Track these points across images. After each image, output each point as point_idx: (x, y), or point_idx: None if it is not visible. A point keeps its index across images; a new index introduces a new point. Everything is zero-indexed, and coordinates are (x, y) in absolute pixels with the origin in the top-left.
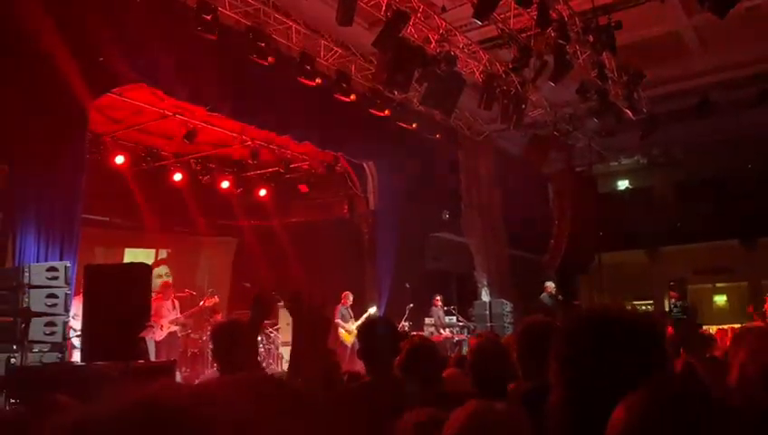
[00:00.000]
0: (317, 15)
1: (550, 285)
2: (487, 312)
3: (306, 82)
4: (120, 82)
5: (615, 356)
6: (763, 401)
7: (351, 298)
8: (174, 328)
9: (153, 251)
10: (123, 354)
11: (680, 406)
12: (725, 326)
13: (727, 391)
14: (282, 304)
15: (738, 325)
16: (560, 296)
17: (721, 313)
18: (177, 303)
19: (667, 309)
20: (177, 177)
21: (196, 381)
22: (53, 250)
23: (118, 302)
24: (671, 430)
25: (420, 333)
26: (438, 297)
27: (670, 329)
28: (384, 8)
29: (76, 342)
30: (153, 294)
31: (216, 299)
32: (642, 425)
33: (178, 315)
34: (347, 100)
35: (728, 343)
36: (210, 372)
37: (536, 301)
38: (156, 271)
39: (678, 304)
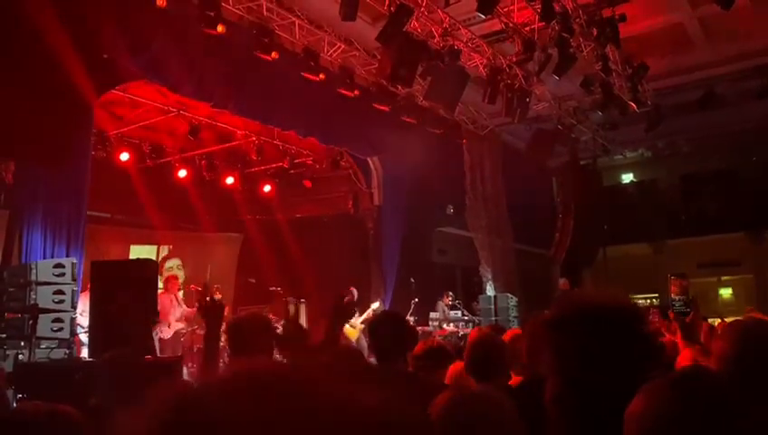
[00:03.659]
0: (320, 11)
1: (562, 281)
2: (492, 306)
3: (310, 77)
4: (124, 78)
5: (599, 345)
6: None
7: (356, 293)
8: (179, 326)
9: (158, 247)
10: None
11: (700, 395)
12: (730, 320)
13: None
14: (288, 299)
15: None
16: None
17: (727, 306)
18: (180, 297)
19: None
20: (182, 173)
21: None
22: (60, 247)
23: (125, 298)
24: (692, 417)
25: (425, 327)
26: (448, 293)
27: (675, 324)
28: (387, 3)
29: (83, 338)
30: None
31: (219, 296)
32: (662, 413)
33: (184, 309)
34: (351, 95)
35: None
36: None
37: (551, 299)
38: (168, 263)
39: (680, 297)
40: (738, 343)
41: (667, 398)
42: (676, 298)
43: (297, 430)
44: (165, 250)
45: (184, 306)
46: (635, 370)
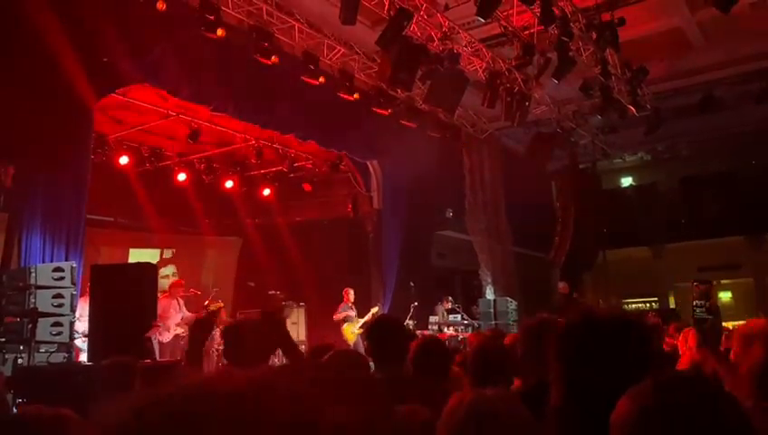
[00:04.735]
0: (320, 14)
1: (562, 284)
2: (492, 309)
3: (309, 81)
4: (123, 82)
5: (607, 355)
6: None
7: (353, 294)
8: (179, 330)
9: (158, 251)
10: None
11: (683, 396)
12: (729, 324)
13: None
14: (286, 303)
15: (743, 323)
16: (574, 294)
17: (726, 310)
18: (182, 302)
19: (678, 307)
20: (182, 177)
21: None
22: (59, 251)
23: (124, 301)
24: (674, 419)
25: (424, 331)
26: (448, 298)
27: (693, 330)
28: (387, 6)
29: (79, 343)
30: (159, 294)
31: (221, 304)
32: (647, 414)
33: (185, 314)
34: (350, 98)
35: (733, 341)
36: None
37: (550, 303)
38: (162, 271)
39: (702, 303)
40: None
41: (647, 404)
42: (698, 303)
43: None
44: (168, 254)
45: (185, 310)
46: (635, 373)
